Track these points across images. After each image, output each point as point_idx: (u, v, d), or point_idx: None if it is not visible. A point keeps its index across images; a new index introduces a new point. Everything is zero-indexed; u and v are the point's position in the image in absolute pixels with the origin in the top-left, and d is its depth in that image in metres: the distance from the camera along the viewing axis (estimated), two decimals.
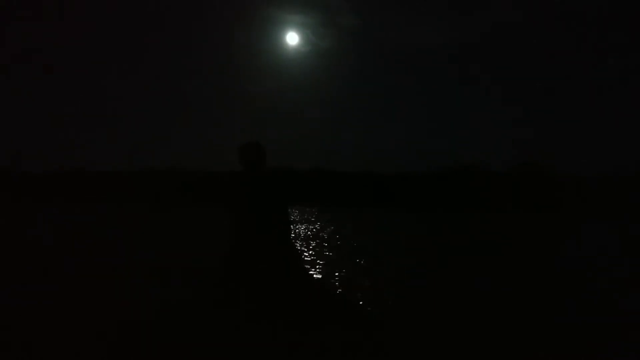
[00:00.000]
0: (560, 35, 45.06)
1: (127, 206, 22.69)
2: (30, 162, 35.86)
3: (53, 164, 32.89)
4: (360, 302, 4.57)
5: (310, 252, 7.95)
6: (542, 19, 44.76)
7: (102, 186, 29.35)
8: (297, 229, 12.43)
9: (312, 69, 48.30)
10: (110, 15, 52.83)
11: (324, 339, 3.08)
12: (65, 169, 32.32)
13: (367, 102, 53.26)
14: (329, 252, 8.03)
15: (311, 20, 48.10)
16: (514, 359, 3.32)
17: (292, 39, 43.21)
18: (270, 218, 3.21)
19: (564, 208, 21.18)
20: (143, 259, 7.32)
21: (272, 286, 3.15)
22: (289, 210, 3.43)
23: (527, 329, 3.94)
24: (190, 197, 28.22)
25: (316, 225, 13.54)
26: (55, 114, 49.17)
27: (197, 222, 15.27)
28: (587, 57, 44.48)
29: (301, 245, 8.84)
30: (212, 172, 30.54)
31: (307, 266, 6.38)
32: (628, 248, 9.67)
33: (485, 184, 24.97)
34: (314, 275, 5.77)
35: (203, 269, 6.21)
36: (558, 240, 11.39)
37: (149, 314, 4.17)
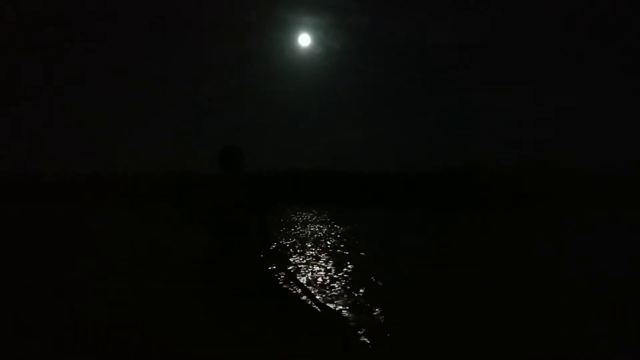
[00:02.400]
0: (569, 30, 44.30)
1: (138, 210, 22.84)
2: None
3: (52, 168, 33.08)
4: (340, 306, 4.59)
5: (311, 253, 8.01)
6: (553, 13, 44.07)
7: (114, 190, 29.45)
8: (307, 230, 12.48)
9: (324, 70, 48.38)
10: (122, 15, 53.11)
11: (298, 344, 3.09)
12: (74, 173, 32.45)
13: (377, 101, 53.05)
14: (335, 253, 8.07)
15: (323, 21, 48.26)
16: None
17: (304, 40, 43.50)
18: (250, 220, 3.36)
19: (574, 204, 20.88)
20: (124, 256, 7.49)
21: (250, 286, 3.25)
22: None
23: (531, 331, 3.92)
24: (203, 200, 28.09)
25: (324, 227, 13.59)
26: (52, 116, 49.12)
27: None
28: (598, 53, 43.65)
29: (304, 247, 8.88)
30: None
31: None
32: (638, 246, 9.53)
33: (495, 182, 24.74)
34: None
35: (184, 268, 6.23)
36: (570, 238, 11.24)
37: (127, 310, 4.27)
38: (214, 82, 53.62)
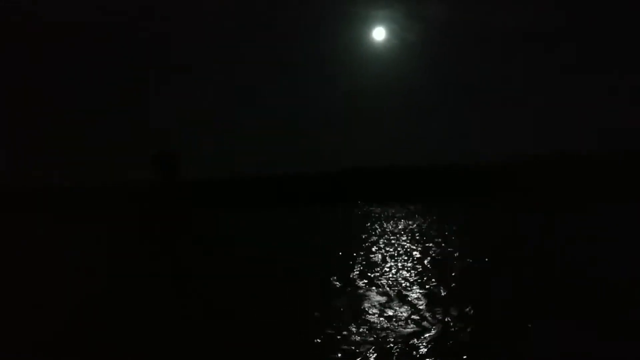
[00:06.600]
0: None
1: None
2: None
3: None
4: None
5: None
6: None
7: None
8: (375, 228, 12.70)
9: (400, 63, 46.81)
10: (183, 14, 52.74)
11: None
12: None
13: (455, 92, 50.68)
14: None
15: (397, 13, 46.84)
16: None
17: (379, 34, 42.78)
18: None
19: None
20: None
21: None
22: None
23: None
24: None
25: (391, 225, 13.84)
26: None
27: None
28: None
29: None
30: (304, 175, 31.06)
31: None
32: None
33: (579, 171, 23.55)
34: None
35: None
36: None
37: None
38: (290, 82, 54.05)
